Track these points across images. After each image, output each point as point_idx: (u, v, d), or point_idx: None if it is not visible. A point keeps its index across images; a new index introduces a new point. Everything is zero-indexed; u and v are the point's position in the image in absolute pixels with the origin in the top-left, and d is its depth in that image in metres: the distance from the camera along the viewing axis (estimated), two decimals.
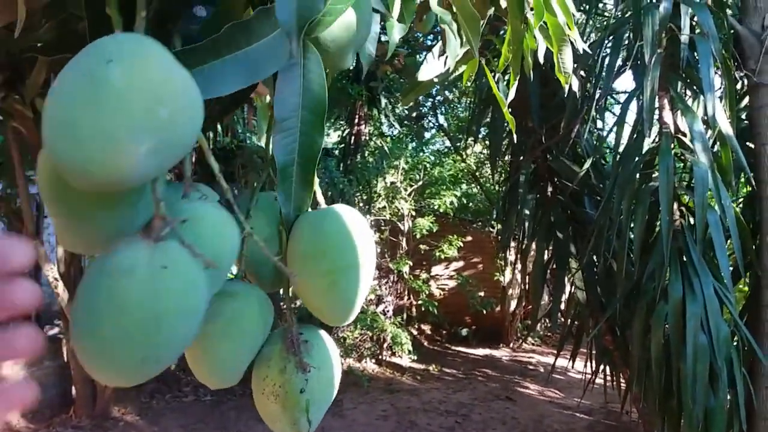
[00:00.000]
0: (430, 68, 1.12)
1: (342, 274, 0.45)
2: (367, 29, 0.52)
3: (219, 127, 3.85)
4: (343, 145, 5.57)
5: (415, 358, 5.28)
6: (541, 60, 0.90)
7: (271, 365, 0.46)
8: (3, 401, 0.28)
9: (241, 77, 0.38)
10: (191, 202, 0.41)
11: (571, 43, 0.91)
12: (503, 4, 1.05)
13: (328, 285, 0.45)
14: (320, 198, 0.50)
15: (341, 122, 5.86)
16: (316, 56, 0.43)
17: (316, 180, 0.46)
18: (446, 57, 1.08)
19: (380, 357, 5.26)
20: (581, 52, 1.00)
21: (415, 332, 6.25)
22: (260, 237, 0.44)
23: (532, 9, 0.92)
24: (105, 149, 0.28)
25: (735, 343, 2.12)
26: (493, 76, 1.13)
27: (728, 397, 2.07)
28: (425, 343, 6.36)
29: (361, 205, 5.27)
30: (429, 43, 5.28)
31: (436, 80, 1.17)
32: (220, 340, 0.44)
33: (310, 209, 0.47)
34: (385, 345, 5.24)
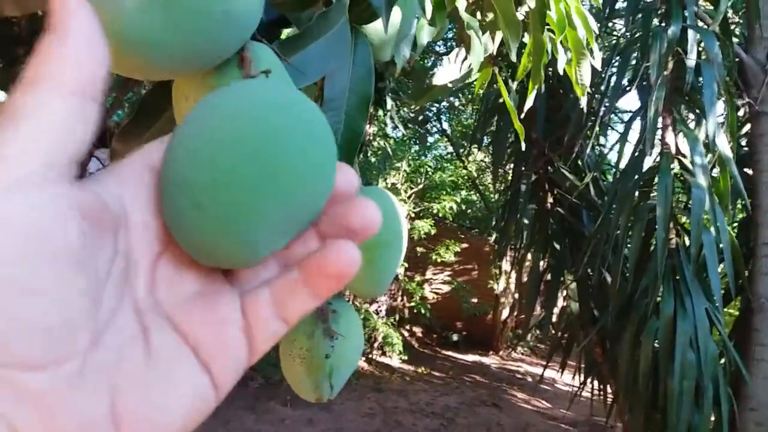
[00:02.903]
0: (446, 73, 1.15)
1: (381, 250, 0.48)
2: (409, 28, 0.56)
3: None
4: None
5: (405, 359, 5.31)
6: (561, 72, 0.94)
7: (300, 329, 0.49)
8: (323, 271, 0.23)
9: (319, 66, 0.42)
10: None
11: (591, 53, 0.95)
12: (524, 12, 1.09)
13: (366, 261, 0.47)
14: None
15: None
16: (365, 44, 0.47)
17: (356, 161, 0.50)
18: (462, 63, 1.12)
19: (370, 356, 5.29)
20: (598, 68, 1.04)
21: (406, 334, 6.28)
22: None
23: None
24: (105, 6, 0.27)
25: (722, 364, 2.17)
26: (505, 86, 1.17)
27: (712, 416, 2.12)
28: (415, 345, 6.39)
29: None
30: (436, 47, 5.34)
31: (450, 85, 1.21)
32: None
33: None
34: (375, 344, 5.27)
